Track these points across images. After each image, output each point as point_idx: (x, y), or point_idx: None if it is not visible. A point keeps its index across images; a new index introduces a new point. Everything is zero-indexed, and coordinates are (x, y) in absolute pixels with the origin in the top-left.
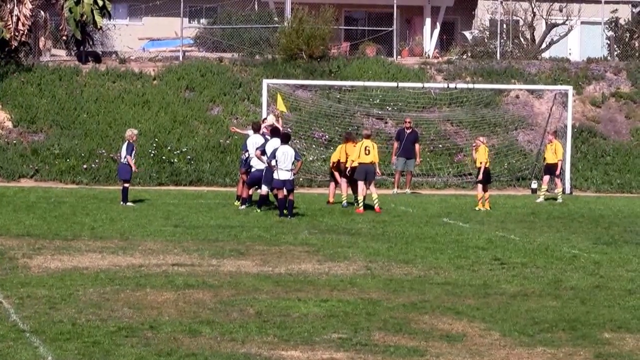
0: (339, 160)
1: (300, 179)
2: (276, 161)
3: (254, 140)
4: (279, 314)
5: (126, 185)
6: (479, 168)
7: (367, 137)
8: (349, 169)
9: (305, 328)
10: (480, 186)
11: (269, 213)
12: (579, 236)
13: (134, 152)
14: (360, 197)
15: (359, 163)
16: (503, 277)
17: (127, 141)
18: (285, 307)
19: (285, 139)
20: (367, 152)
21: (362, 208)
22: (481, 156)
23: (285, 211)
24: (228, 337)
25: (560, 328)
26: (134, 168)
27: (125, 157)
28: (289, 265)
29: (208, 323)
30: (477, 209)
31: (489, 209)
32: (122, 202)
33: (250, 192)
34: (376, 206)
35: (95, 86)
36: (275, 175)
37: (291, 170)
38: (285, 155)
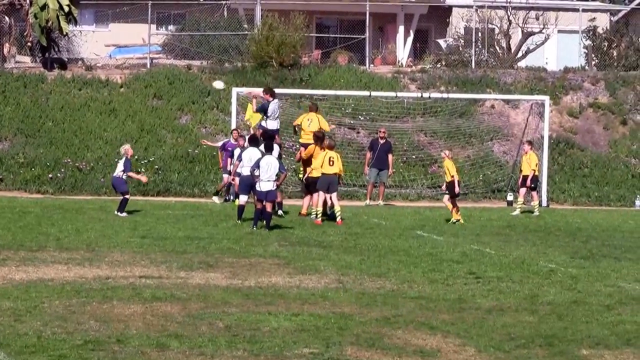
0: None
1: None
2: (259, 171)
3: (251, 154)
4: (249, 327)
5: (127, 197)
6: (451, 182)
7: (331, 147)
8: (305, 177)
9: (276, 342)
10: (447, 198)
11: (244, 225)
12: (555, 250)
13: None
14: (319, 209)
15: (322, 174)
16: (478, 291)
17: (124, 157)
18: (256, 320)
19: (255, 143)
20: (331, 162)
21: (320, 219)
22: (452, 169)
23: (260, 223)
24: (197, 351)
25: (537, 344)
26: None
27: (125, 174)
28: (259, 278)
29: (176, 337)
30: (454, 221)
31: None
32: (117, 212)
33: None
34: (338, 219)
35: (61, 93)
36: (257, 187)
37: (274, 181)
38: (268, 166)
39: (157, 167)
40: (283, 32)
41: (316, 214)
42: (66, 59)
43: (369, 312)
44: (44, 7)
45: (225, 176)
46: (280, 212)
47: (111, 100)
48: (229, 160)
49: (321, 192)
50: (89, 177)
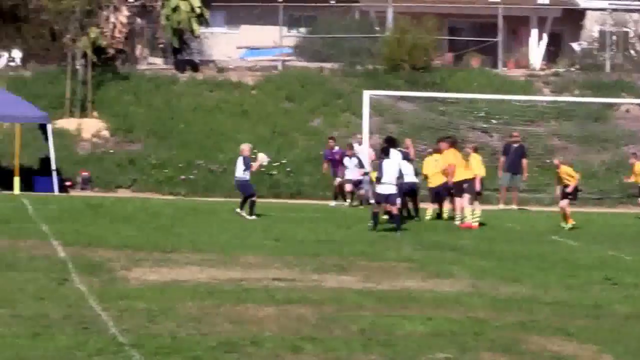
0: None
1: None
2: (381, 174)
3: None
4: (383, 331)
5: (253, 199)
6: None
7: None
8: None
9: (411, 346)
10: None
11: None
12: None
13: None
14: (465, 213)
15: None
16: (615, 297)
17: (240, 156)
18: (390, 324)
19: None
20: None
21: (474, 223)
22: (572, 173)
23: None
24: (331, 355)
25: None
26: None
27: (247, 172)
28: (392, 281)
29: (310, 339)
30: (569, 226)
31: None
32: (246, 215)
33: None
34: (474, 223)
35: (193, 95)
36: (377, 189)
37: (395, 185)
38: (390, 169)
39: (288, 169)
40: (415, 34)
41: (461, 219)
42: (198, 61)
43: (504, 317)
44: (175, 8)
45: (338, 179)
46: (416, 217)
47: (243, 103)
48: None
49: (465, 196)
50: (221, 179)
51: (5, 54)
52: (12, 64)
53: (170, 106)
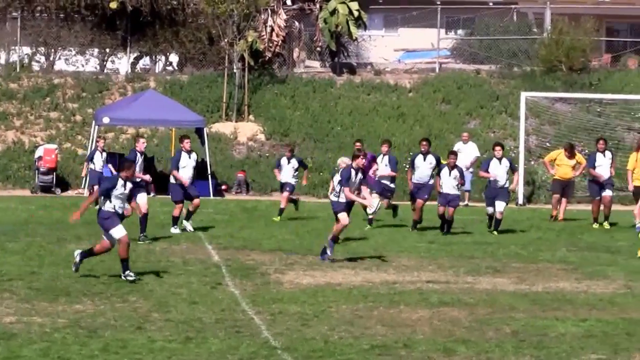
0: None
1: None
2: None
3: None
4: (535, 333)
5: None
6: None
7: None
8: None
9: (563, 348)
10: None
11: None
12: None
13: None
14: None
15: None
16: None
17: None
18: (543, 326)
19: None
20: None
21: None
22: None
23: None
24: (484, 357)
25: None
26: None
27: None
28: (546, 283)
29: (463, 342)
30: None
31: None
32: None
33: None
34: None
35: (350, 98)
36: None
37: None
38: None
39: None
40: (573, 36)
41: None
42: (355, 64)
43: None
44: (333, 12)
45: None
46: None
47: (399, 105)
48: None
49: None
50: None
51: (163, 58)
52: (169, 68)
53: (327, 109)
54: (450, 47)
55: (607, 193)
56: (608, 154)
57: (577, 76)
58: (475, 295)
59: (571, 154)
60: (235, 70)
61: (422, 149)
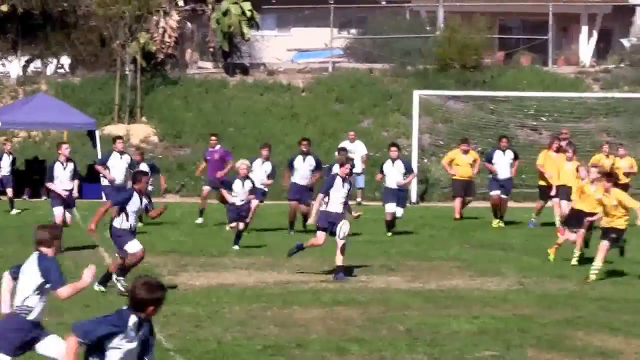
0: None
1: None
2: None
3: None
4: (429, 330)
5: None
6: None
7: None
8: None
9: (457, 345)
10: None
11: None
12: None
13: None
14: None
15: None
16: None
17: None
18: (436, 323)
19: None
20: None
21: None
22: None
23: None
24: (377, 355)
25: None
26: None
27: None
28: (440, 281)
29: (357, 341)
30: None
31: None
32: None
33: None
34: None
35: (243, 99)
36: None
37: None
38: None
39: None
40: (465, 34)
41: None
42: (248, 64)
43: (550, 314)
44: (226, 12)
45: None
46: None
47: (293, 105)
48: None
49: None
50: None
51: (54, 61)
52: (60, 70)
53: (220, 110)
54: (343, 47)
55: (495, 193)
56: (509, 153)
57: (470, 74)
58: (368, 294)
59: (466, 148)
60: (127, 72)
61: (303, 149)
